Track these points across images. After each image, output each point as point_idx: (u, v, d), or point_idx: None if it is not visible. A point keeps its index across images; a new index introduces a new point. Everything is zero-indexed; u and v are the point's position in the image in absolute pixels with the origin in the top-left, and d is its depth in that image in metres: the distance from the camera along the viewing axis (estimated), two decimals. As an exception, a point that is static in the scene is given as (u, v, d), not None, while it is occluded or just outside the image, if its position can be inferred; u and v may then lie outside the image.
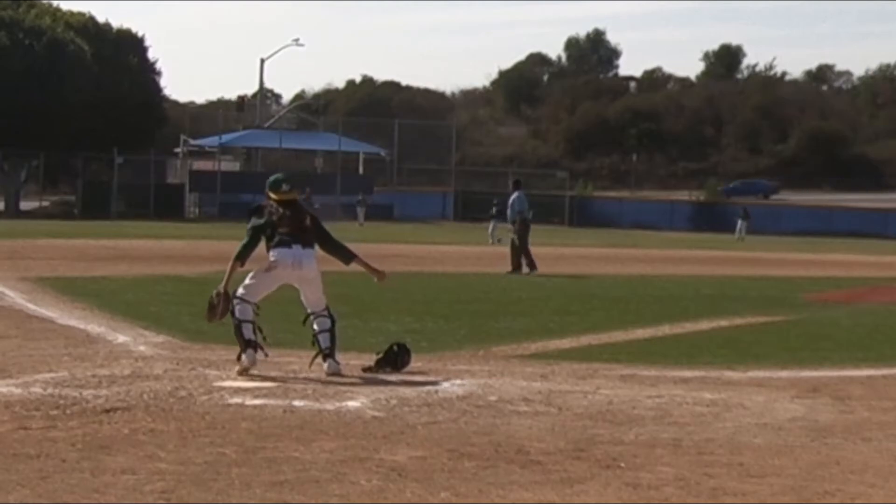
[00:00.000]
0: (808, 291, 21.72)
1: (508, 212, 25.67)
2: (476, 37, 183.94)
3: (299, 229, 10.44)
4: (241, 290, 10.32)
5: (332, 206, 58.17)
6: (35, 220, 52.84)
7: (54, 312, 14.64)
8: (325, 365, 10.23)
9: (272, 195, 10.61)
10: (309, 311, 10.46)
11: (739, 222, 58.43)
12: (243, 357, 10.12)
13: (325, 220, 11.47)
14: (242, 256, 10.34)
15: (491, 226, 43.24)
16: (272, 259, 10.35)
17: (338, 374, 10.13)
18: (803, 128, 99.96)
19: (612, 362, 11.50)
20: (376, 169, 78.21)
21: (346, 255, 10.79)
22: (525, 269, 24.47)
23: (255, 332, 10.21)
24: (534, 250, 25.26)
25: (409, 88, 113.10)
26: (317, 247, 10.59)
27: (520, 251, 24.78)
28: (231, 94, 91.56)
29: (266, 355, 10.26)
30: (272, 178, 10.86)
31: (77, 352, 11.27)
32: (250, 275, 10.45)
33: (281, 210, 10.51)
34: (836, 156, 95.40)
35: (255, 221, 10.47)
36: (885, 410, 9.31)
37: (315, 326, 10.40)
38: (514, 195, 25.78)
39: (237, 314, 10.22)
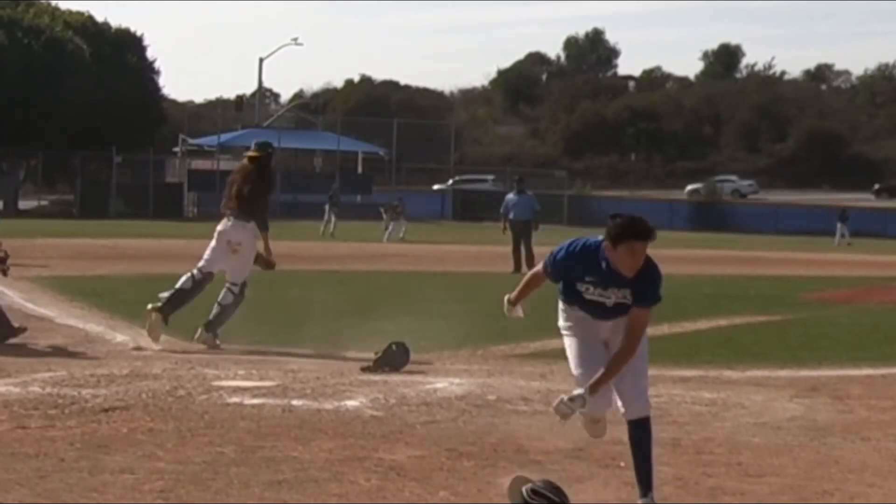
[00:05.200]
0: (807, 291, 21.68)
1: (513, 213, 25.45)
2: (475, 36, 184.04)
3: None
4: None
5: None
6: (34, 219, 52.79)
7: (53, 311, 14.62)
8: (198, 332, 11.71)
9: None
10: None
11: (839, 225, 53.23)
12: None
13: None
14: None
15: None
16: None
17: (207, 344, 11.49)
18: (802, 127, 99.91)
19: (611, 361, 11.46)
20: (375, 168, 78.11)
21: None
22: (524, 268, 24.51)
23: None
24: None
25: (407, 88, 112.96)
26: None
27: (529, 250, 24.87)
28: (230, 94, 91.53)
29: None
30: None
31: (76, 351, 11.27)
32: None
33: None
34: (836, 155, 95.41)
35: None
36: (884, 410, 9.30)
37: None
38: (530, 195, 25.90)
39: None
